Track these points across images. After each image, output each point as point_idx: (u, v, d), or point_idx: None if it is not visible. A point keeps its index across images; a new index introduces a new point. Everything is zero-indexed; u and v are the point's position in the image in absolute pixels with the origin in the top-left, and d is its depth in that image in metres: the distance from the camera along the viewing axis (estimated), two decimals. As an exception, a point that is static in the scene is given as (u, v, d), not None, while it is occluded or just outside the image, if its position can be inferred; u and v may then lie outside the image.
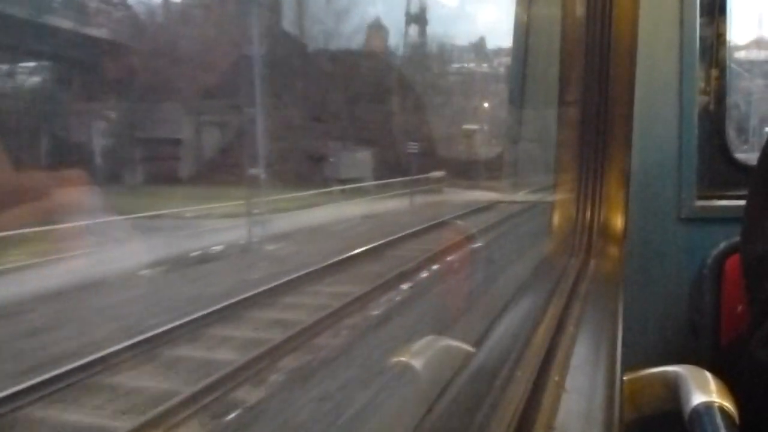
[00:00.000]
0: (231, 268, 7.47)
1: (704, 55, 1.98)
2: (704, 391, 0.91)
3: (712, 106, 2.04)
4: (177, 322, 5.32)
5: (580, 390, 0.76)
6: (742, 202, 1.30)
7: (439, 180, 13.57)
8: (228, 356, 5.07)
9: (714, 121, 2.02)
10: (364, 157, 12.77)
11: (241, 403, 4.42)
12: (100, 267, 5.30)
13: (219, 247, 7.76)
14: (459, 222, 10.12)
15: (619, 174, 1.66)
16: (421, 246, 8.52)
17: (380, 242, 8.44)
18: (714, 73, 2.06)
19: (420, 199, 12.91)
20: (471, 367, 0.81)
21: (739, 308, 1.63)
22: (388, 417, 0.68)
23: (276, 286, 6.54)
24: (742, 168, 1.98)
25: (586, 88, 1.72)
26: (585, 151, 1.69)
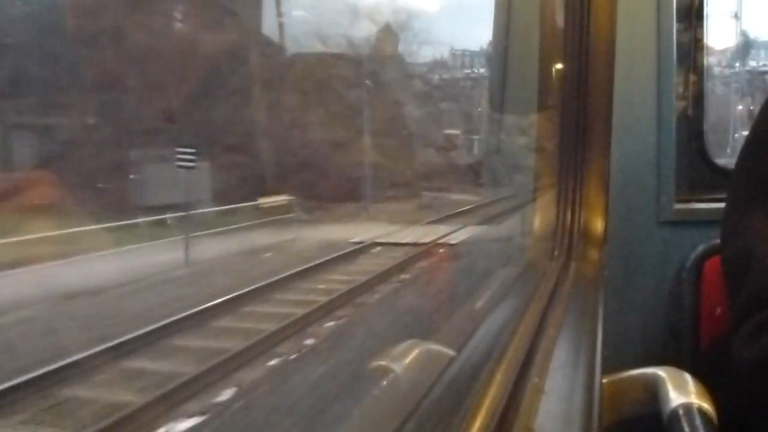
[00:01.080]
0: None
1: (682, 61, 2.00)
2: (683, 392, 0.92)
3: (690, 111, 2.06)
4: None
5: (560, 392, 0.76)
6: (721, 205, 1.31)
7: (279, 209, 9.22)
8: None
9: (692, 126, 2.04)
10: (195, 172, 8.21)
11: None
12: None
13: None
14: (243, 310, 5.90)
15: (599, 178, 1.67)
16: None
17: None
18: (692, 78, 2.08)
19: (236, 243, 8.00)
20: (450, 369, 0.81)
21: (718, 310, 1.64)
22: (367, 421, 0.68)
23: None
24: (720, 171, 2.00)
25: (565, 94, 1.73)
26: (564, 156, 1.70)
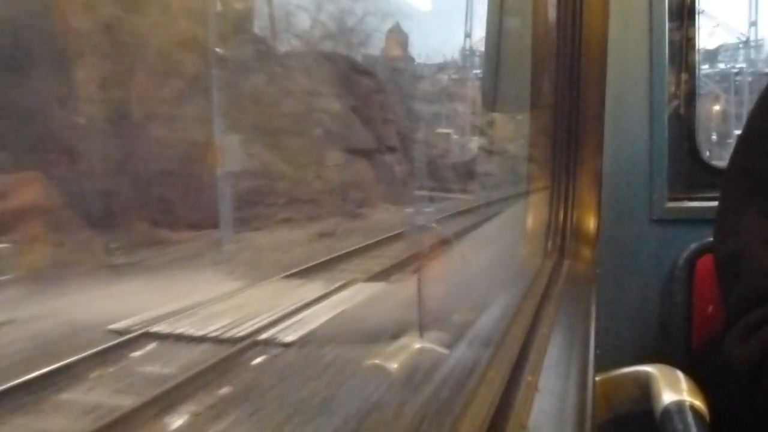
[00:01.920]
0: None
1: (674, 60, 2.01)
2: (675, 390, 0.92)
3: (682, 110, 2.06)
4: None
5: (553, 390, 0.76)
6: (713, 204, 1.32)
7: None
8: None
9: (684, 124, 2.05)
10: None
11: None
12: None
13: None
14: None
15: (592, 176, 1.67)
16: None
17: None
18: (683, 77, 2.09)
19: None
20: (444, 368, 0.81)
21: (710, 309, 1.65)
22: (361, 418, 0.68)
23: None
24: (712, 170, 2.01)
25: (558, 92, 1.73)
26: (557, 154, 1.70)
